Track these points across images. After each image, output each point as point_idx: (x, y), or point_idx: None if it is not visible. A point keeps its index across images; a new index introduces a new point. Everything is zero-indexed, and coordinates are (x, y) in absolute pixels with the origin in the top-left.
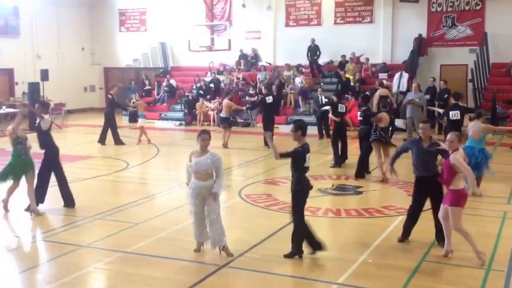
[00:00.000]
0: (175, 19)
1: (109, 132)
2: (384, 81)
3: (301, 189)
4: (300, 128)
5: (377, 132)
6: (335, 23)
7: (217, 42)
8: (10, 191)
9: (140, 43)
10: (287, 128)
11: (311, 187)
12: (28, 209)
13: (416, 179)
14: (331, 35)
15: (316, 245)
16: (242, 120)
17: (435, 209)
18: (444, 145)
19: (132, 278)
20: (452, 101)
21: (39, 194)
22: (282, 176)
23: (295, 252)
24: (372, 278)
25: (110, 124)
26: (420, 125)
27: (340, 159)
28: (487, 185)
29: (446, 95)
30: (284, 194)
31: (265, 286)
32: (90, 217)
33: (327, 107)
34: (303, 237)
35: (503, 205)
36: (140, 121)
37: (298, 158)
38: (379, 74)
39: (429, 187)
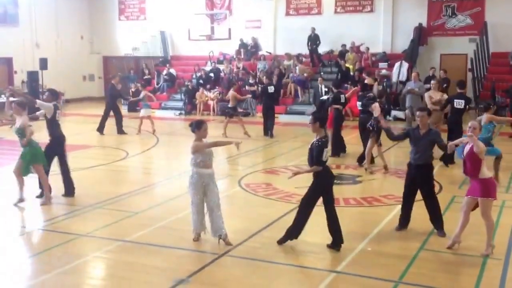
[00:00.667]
0: (175, 7)
1: (110, 122)
2: (384, 71)
3: (319, 183)
4: (318, 119)
5: (371, 121)
6: (336, 12)
7: (217, 31)
8: (44, 182)
9: (140, 32)
10: (287, 118)
11: (333, 178)
12: (40, 195)
13: (409, 166)
14: (332, 24)
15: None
16: (242, 110)
17: (426, 200)
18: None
19: (131, 267)
20: (458, 90)
21: (39, 182)
22: (282, 165)
23: (293, 235)
24: (371, 266)
25: (115, 114)
26: (417, 113)
27: (339, 149)
28: None
29: (445, 85)
30: (284, 183)
31: (264, 275)
32: (89, 206)
33: (326, 97)
34: (302, 223)
35: (501, 194)
36: (143, 111)
37: (319, 152)
38: (379, 64)
39: (419, 176)
